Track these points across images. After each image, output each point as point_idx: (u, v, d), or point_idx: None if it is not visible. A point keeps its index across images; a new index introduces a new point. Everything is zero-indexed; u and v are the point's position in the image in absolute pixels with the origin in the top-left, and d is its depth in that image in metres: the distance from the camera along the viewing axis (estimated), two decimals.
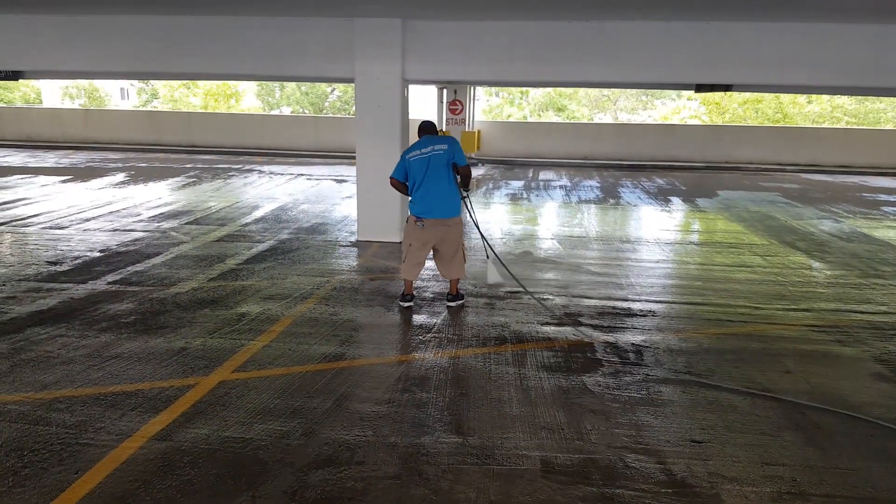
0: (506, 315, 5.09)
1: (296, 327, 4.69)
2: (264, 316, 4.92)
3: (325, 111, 33.61)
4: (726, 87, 7.33)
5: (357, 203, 7.62)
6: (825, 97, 25.84)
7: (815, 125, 24.93)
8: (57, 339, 4.34)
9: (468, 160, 5.10)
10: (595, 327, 4.86)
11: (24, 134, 18.97)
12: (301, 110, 33.50)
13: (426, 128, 5.18)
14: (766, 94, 24.52)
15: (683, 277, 6.50)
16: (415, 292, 5.49)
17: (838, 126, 24.51)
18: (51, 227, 7.87)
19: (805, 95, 25.28)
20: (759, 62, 6.71)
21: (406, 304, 5.26)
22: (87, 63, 7.81)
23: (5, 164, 14.24)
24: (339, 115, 29.18)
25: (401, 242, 6.12)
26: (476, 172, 14.67)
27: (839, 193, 12.72)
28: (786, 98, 25.94)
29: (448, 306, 5.29)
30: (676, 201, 11.39)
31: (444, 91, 16.25)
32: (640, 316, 5.15)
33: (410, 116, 7.74)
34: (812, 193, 12.61)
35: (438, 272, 5.34)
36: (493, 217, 9.53)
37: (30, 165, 14.24)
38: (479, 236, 5.71)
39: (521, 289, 5.62)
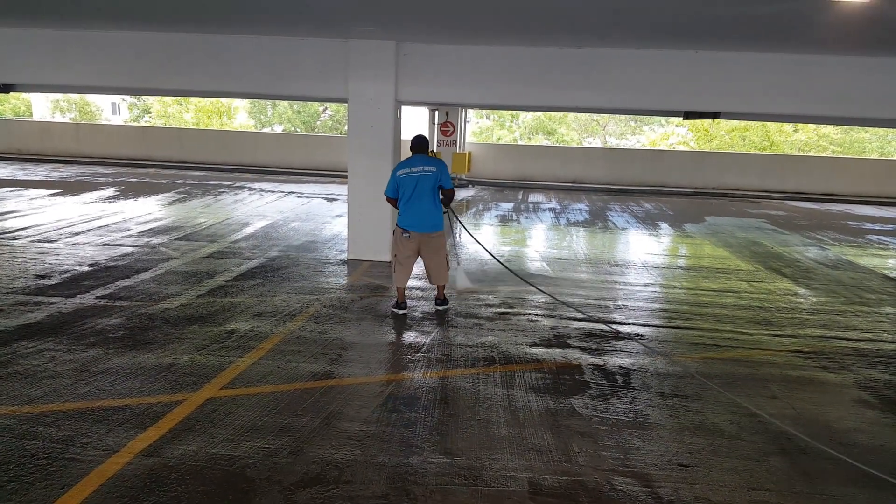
0: (495, 335, 5.11)
1: (285, 345, 4.68)
2: (253, 333, 4.91)
3: (316, 130, 33.78)
4: (714, 115, 7.47)
5: (348, 222, 7.65)
6: (811, 126, 26.40)
7: (801, 153, 25.39)
8: (44, 353, 4.31)
9: (458, 181, 5.55)
10: (583, 349, 4.89)
11: (14, 147, 18.88)
12: (293, 129, 33.65)
13: (419, 145, 5.49)
14: (754, 122, 25.01)
15: (671, 301, 6.57)
16: (406, 310, 5.59)
17: (824, 155, 24.97)
18: (39, 241, 7.82)
19: (792, 124, 25.81)
20: (746, 91, 6.87)
21: (400, 312, 5.56)
22: (78, 77, 7.82)
23: None
24: (330, 135, 29.31)
25: (389, 261, 6.83)
26: (466, 194, 14.78)
27: (824, 221, 12.93)
28: (773, 126, 26.45)
29: (437, 310, 5.70)
30: (664, 226, 11.53)
31: (436, 112, 16.41)
32: (628, 339, 5.19)
33: (402, 137, 7.83)
34: (798, 220, 12.81)
35: (427, 279, 5.77)
36: (482, 238, 9.58)
37: (19, 178, 14.17)
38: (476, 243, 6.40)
39: (509, 309, 5.75)
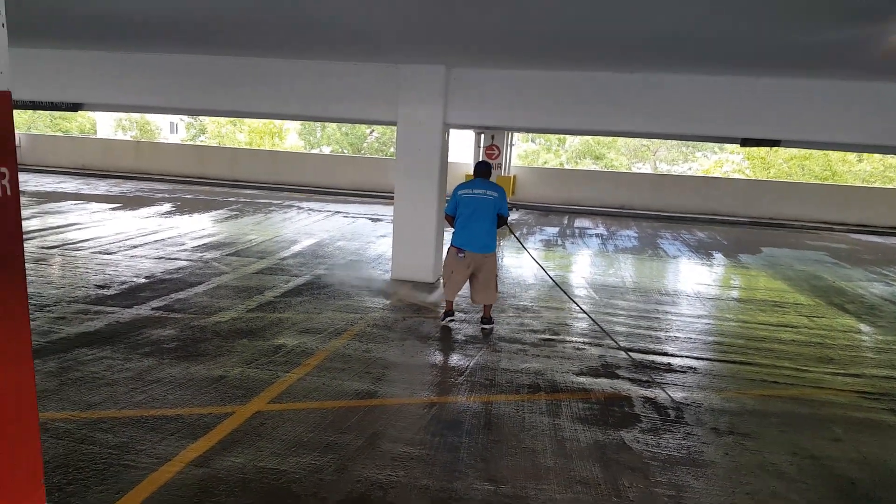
0: (540, 362, 5.02)
1: (330, 362, 4.72)
2: (300, 349, 4.96)
3: (363, 151, 34.43)
4: (774, 143, 7.25)
5: (392, 242, 7.71)
6: (877, 156, 25.29)
7: (865, 184, 24.32)
8: (102, 361, 4.46)
9: None
10: (632, 381, 4.75)
11: (79, 162, 19.87)
12: (340, 150, 34.39)
13: (482, 170, 5.77)
14: (814, 151, 24.16)
15: (725, 334, 6.33)
16: (451, 334, 5.58)
17: (891, 186, 23.88)
18: (100, 253, 8.16)
19: (856, 153, 24.82)
20: (809, 119, 6.59)
21: (447, 319, 5.82)
22: (139, 98, 8.22)
23: (61, 190, 14.90)
24: (376, 156, 29.83)
25: (432, 283, 7.42)
26: (510, 217, 14.72)
27: (890, 255, 12.31)
28: (835, 155, 25.49)
29: (482, 328, 5.80)
30: (718, 256, 11.19)
31: (482, 135, 16.50)
32: (680, 372, 5.02)
33: (449, 160, 7.87)
34: (862, 254, 12.23)
35: (471, 299, 5.85)
36: (526, 262, 9.50)
37: (83, 192, 14.88)
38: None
39: (554, 336, 5.66)
